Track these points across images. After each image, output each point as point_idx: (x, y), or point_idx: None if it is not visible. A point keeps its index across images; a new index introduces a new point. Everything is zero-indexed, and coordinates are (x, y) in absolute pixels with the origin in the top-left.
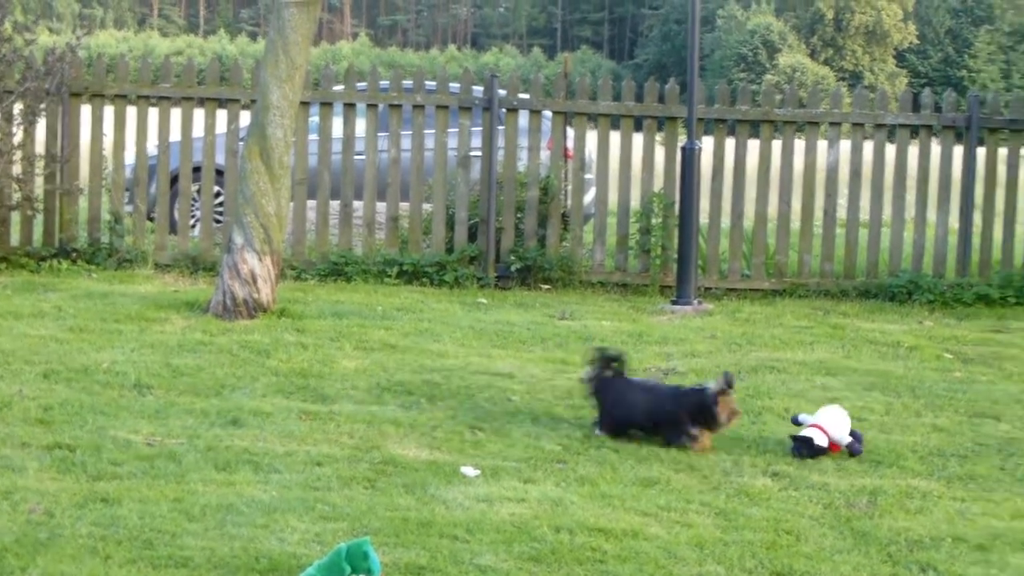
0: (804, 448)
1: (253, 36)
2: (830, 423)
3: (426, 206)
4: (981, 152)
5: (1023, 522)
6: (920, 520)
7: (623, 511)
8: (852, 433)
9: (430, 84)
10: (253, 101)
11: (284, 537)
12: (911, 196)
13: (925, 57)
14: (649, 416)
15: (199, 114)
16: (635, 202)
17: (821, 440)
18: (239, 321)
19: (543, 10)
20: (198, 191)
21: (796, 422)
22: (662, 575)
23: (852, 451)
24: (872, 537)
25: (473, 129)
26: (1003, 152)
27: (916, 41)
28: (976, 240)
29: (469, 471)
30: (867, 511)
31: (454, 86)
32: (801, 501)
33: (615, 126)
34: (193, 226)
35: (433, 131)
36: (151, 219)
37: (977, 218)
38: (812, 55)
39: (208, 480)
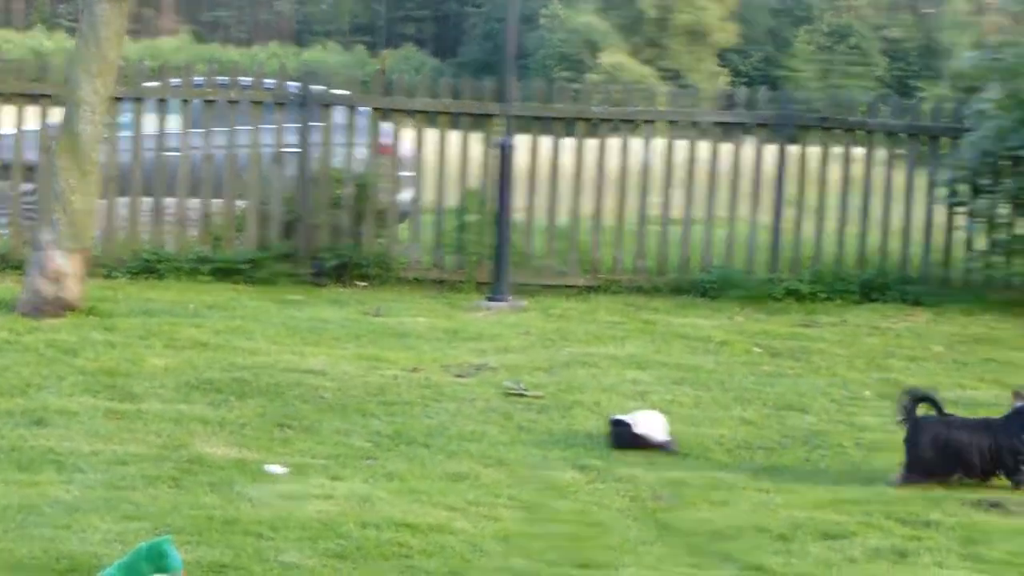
0: (624, 431)
1: (71, 31)
2: (647, 421)
3: (240, 203)
4: (793, 149)
5: (825, 512)
6: (724, 511)
7: (431, 506)
8: (669, 436)
9: (245, 80)
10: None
11: (86, 537)
12: (724, 193)
13: (746, 56)
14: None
15: (10, 110)
16: (452, 199)
17: (639, 430)
18: (46, 320)
19: (366, 7)
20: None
21: (614, 422)
22: (466, 569)
23: (666, 449)
24: (676, 529)
25: (289, 125)
26: (814, 149)
27: (738, 40)
28: (788, 236)
29: (276, 468)
30: (672, 503)
31: (269, 82)
32: (608, 494)
33: (432, 123)
34: (3, 223)
35: (248, 127)
36: None
37: (789, 214)
38: (635, 54)
39: (10, 480)
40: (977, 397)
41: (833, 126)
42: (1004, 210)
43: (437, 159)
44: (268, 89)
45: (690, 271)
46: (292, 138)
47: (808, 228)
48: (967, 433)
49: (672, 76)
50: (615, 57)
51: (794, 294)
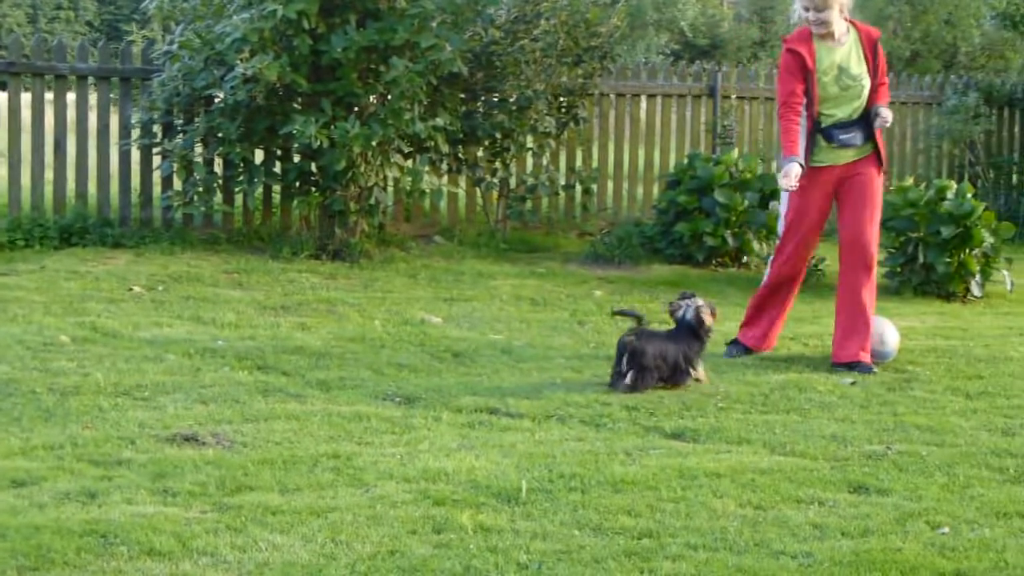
0: None
1: None
2: None
3: None
4: (5, 96)
5: (15, 460)
6: None
7: None
8: None
9: None
10: None
11: None
12: None
13: None
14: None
15: None
16: None
17: None
18: None
19: None
20: None
21: None
22: None
23: None
24: None
25: None
26: (3, 95)
27: None
28: None
29: None
30: None
31: None
32: None
33: None
34: None
35: None
36: None
37: None
38: None
39: None
40: (172, 335)
41: (20, 71)
42: (199, 149)
43: None
44: None
45: None
46: None
47: (3, 175)
48: (672, 343)
49: None
50: None
51: None
